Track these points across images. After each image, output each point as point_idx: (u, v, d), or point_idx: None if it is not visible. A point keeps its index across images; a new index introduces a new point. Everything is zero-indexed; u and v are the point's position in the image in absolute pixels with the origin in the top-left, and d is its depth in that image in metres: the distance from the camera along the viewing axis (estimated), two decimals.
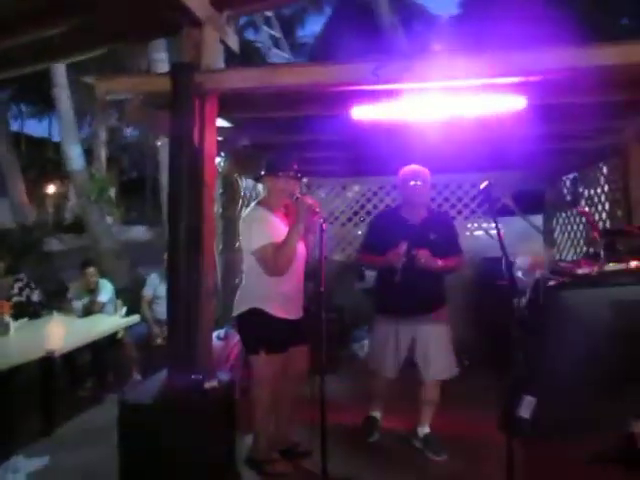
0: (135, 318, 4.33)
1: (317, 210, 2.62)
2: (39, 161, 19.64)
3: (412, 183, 2.95)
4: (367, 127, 3.42)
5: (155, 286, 4.68)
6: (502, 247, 2.18)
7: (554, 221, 5.51)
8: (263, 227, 2.67)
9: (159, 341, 4.48)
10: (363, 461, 2.89)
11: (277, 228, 2.71)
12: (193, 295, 2.60)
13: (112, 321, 4.19)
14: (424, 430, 3.04)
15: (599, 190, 4.42)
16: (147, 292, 4.67)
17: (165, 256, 4.37)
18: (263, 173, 2.83)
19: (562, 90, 2.96)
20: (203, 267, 2.69)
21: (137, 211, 22.10)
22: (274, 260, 2.60)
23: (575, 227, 4.94)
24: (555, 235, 5.45)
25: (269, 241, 2.62)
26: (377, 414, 3.20)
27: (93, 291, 4.52)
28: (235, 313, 2.78)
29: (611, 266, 2.81)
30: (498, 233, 2.23)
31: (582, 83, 2.87)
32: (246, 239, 2.73)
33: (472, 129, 3.67)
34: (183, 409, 2.34)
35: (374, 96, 2.93)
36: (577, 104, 3.22)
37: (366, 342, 5.00)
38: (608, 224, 4.13)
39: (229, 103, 2.98)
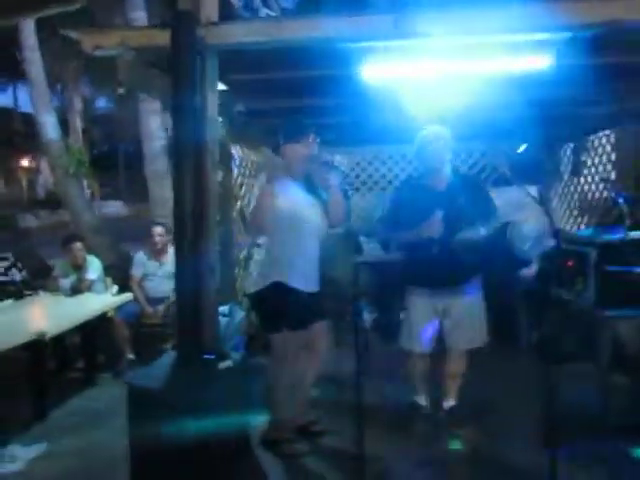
0: (127, 296, 4.11)
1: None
2: (5, 133, 18.72)
3: (432, 147, 2.73)
4: (369, 90, 3.22)
5: (143, 264, 4.48)
6: (548, 214, 2.04)
7: (552, 191, 5.44)
8: (271, 190, 2.57)
9: (152, 320, 4.32)
10: (385, 437, 2.77)
11: (292, 195, 2.58)
12: (200, 271, 2.43)
13: (103, 300, 3.96)
14: (449, 403, 2.94)
15: (604, 158, 4.35)
16: (136, 271, 4.46)
17: (156, 232, 4.35)
18: (282, 142, 2.69)
19: (582, 49, 2.81)
20: (208, 241, 2.52)
21: (110, 186, 21.42)
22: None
23: (575, 196, 4.87)
24: (553, 205, 5.39)
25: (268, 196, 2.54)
26: (421, 400, 2.97)
27: (80, 268, 4.26)
28: (254, 289, 2.63)
29: (633, 234, 2.73)
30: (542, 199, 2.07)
31: (603, 41, 2.73)
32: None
33: (471, 96, 3.52)
34: (197, 392, 2.17)
35: (388, 53, 2.73)
36: (590, 66, 3.08)
37: (367, 316, 4.92)
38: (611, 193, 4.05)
39: (226, 62, 2.74)
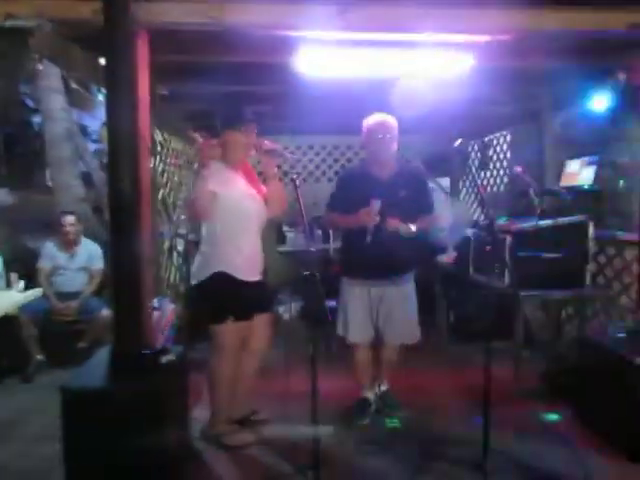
0: (37, 292, 3.75)
1: (276, 151, 2.53)
2: None
3: (378, 136, 2.68)
4: (307, 80, 3.23)
5: (52, 256, 4.13)
6: (483, 204, 2.20)
7: (460, 183, 5.86)
8: (211, 177, 2.44)
9: (63, 317, 4.00)
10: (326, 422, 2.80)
11: (231, 181, 2.51)
12: (136, 263, 2.30)
13: (8, 297, 3.57)
14: (382, 388, 3.02)
15: (502, 155, 4.81)
16: (44, 263, 4.10)
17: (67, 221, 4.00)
18: (220, 129, 2.57)
19: (490, 53, 3.03)
20: (144, 231, 2.39)
21: None
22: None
23: (487, 189, 5.29)
24: (461, 196, 5.81)
25: (205, 187, 2.42)
26: (370, 395, 2.98)
27: None
28: (196, 280, 2.51)
29: (543, 223, 3.04)
30: (479, 190, 2.23)
31: (510, 47, 2.98)
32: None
33: (390, 91, 3.67)
34: (143, 388, 2.07)
35: (327, 44, 2.76)
36: (498, 68, 3.35)
37: (290, 305, 4.97)
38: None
39: (155, 42, 2.60)
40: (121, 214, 2.21)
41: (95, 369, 2.18)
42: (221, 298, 2.46)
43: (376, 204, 2.59)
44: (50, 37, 2.51)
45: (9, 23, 2.44)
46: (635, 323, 2.80)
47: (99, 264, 4.21)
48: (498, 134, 4.97)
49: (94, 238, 4.48)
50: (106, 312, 4.02)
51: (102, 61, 2.89)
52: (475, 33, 2.68)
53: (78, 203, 5.66)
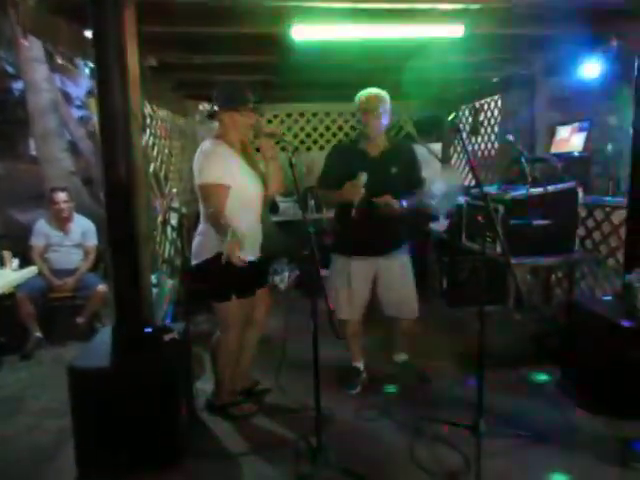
0: (32, 270, 3.76)
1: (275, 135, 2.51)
2: None
3: (371, 111, 2.64)
4: (298, 49, 3.17)
5: (46, 234, 4.11)
6: (474, 172, 2.22)
7: (451, 149, 5.85)
8: (220, 164, 2.41)
9: (60, 293, 4.02)
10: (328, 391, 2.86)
11: (235, 169, 2.46)
12: (134, 241, 2.32)
13: (5, 276, 3.57)
14: (400, 357, 3.08)
15: (493, 121, 4.80)
16: (37, 241, 4.08)
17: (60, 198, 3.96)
18: (219, 108, 2.49)
19: (481, 20, 2.99)
20: (141, 208, 2.40)
21: None
22: (213, 205, 2.36)
23: (478, 155, 5.30)
24: (453, 162, 5.81)
25: (221, 182, 2.38)
26: (360, 365, 3.05)
27: None
28: (197, 260, 2.52)
29: (534, 190, 3.09)
30: (471, 162, 2.25)
31: (502, 14, 2.94)
32: (201, 174, 2.41)
33: (381, 56, 3.62)
34: (146, 367, 2.14)
35: (317, 14, 2.71)
36: (488, 35, 3.31)
37: (286, 274, 5.03)
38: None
39: (142, 12, 2.53)
40: (117, 192, 2.22)
41: (99, 348, 2.23)
42: (223, 278, 2.44)
43: (362, 176, 2.55)
44: (34, 10, 2.43)
45: None
46: (622, 285, 2.88)
47: (93, 240, 4.21)
48: (489, 99, 4.94)
49: (86, 213, 4.46)
50: (102, 287, 4.06)
51: (88, 34, 2.83)
52: (468, 0, 2.65)
53: (68, 177, 5.60)
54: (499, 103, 4.79)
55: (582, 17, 2.81)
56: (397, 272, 2.84)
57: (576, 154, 3.44)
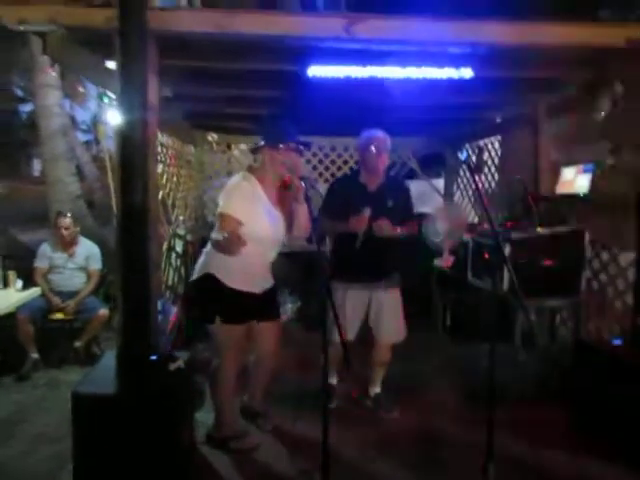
0: (36, 291, 3.74)
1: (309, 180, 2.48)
2: None
3: (372, 149, 2.88)
4: (312, 85, 3.25)
5: (50, 257, 4.10)
6: (486, 212, 2.25)
7: (454, 185, 5.93)
8: (240, 196, 2.46)
9: (60, 315, 3.99)
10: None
11: (257, 206, 2.49)
12: (145, 268, 2.32)
13: (8, 296, 3.55)
14: (375, 390, 3.16)
15: (494, 160, 4.91)
16: (41, 263, 4.08)
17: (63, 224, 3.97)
18: (262, 144, 2.56)
19: (487, 62, 3.08)
20: (152, 235, 2.41)
21: None
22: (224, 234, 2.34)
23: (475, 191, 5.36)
24: (455, 198, 5.88)
25: (235, 215, 2.40)
26: (333, 381, 3.19)
27: None
28: (192, 278, 2.61)
29: (542, 231, 3.12)
30: (479, 193, 2.27)
31: (509, 57, 3.04)
32: (221, 202, 2.48)
33: (389, 94, 3.71)
34: (151, 396, 2.10)
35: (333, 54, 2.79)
36: (493, 77, 3.41)
37: (288, 306, 5.00)
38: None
39: (161, 46, 2.61)
40: (131, 220, 2.22)
41: (103, 374, 2.19)
42: (207, 299, 2.52)
43: (367, 212, 2.78)
44: (61, 40, 2.51)
45: (23, 27, 2.44)
46: (632, 327, 2.87)
47: (97, 264, 4.21)
48: (493, 138, 5.04)
49: (89, 236, 4.46)
50: (104, 311, 4.04)
51: (109, 64, 2.91)
52: (475, 44, 2.73)
53: (74, 200, 5.63)
54: (502, 142, 4.88)
55: (585, 61, 2.90)
56: (388, 301, 2.99)
57: (581, 195, 3.49)
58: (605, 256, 3.56)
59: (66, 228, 4.08)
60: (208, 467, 2.48)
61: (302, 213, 2.54)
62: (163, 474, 2.09)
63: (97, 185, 8.79)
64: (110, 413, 1.99)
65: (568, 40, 2.65)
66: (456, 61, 2.98)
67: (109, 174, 5.48)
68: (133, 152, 2.19)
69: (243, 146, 5.62)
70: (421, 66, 2.99)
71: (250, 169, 2.64)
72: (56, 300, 3.97)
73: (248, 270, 2.50)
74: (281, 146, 2.49)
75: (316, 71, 2.98)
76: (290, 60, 2.85)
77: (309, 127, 5.05)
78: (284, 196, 2.61)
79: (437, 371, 3.71)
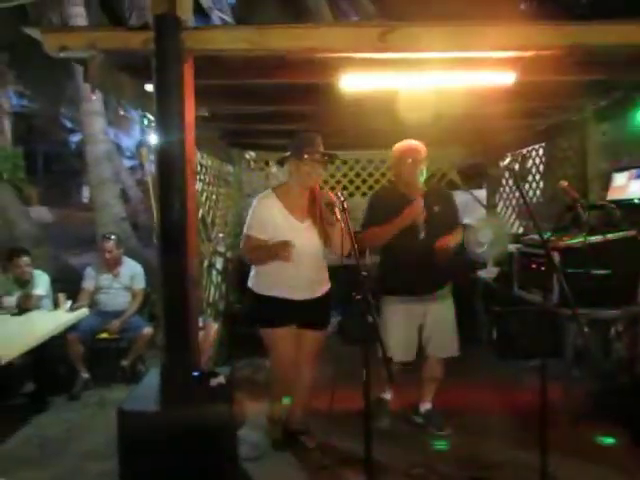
0: (84, 311, 3.85)
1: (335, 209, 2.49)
2: None
3: (410, 161, 2.83)
4: (347, 98, 3.24)
5: (96, 277, 4.24)
6: (534, 220, 2.15)
7: (497, 195, 5.76)
8: (258, 215, 2.65)
9: (108, 335, 4.09)
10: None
11: (277, 220, 2.61)
12: (185, 285, 2.34)
13: (58, 317, 3.68)
14: (426, 406, 3.05)
15: (537, 168, 4.74)
16: (88, 284, 4.22)
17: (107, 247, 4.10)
18: (287, 154, 2.66)
19: (534, 67, 2.98)
20: (191, 252, 2.43)
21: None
22: (246, 253, 2.71)
23: (519, 201, 5.19)
24: (498, 209, 5.71)
25: (249, 232, 2.65)
26: (387, 396, 3.08)
27: (26, 283, 3.94)
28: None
29: (592, 238, 2.95)
30: (524, 200, 2.18)
31: (556, 61, 2.93)
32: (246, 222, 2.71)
33: (428, 104, 3.65)
34: (193, 412, 2.09)
35: (368, 64, 2.77)
36: (540, 81, 3.29)
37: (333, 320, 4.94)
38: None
39: (198, 66, 2.66)
40: (171, 238, 2.26)
41: (148, 391, 2.21)
42: (249, 307, 2.82)
43: (420, 201, 2.74)
44: (101, 67, 2.60)
45: (64, 55, 2.54)
46: None
47: (141, 284, 4.31)
48: (537, 146, 4.87)
49: (134, 256, 4.59)
50: (148, 330, 4.11)
51: (148, 87, 3.01)
52: (519, 49, 2.65)
53: (119, 222, 5.84)
54: (547, 150, 4.71)
55: (634, 62, 2.76)
56: (444, 313, 2.90)
57: (636, 201, 3.30)
58: None
59: (109, 251, 4.20)
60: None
61: (337, 235, 2.52)
62: None
63: (141, 207, 9.10)
64: (154, 429, 2.00)
65: (616, 40, 2.54)
66: (497, 66, 2.90)
67: (151, 196, 5.64)
68: (171, 170, 2.23)
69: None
70: (460, 73, 2.93)
71: (276, 186, 2.77)
72: (105, 321, 4.06)
73: (279, 279, 2.65)
74: (305, 156, 2.55)
75: (353, 83, 2.95)
76: (325, 73, 2.84)
77: (344, 140, 5.10)
78: (316, 206, 2.66)
79: (485, 388, 3.54)
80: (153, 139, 4.13)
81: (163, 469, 2.00)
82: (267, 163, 5.62)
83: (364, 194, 5.71)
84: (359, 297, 1.94)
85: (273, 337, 2.70)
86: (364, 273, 1.99)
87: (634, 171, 3.41)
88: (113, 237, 4.29)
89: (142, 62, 2.48)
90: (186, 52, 2.40)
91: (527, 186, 4.99)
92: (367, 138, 4.79)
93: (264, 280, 2.71)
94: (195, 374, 2.29)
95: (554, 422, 2.14)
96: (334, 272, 4.66)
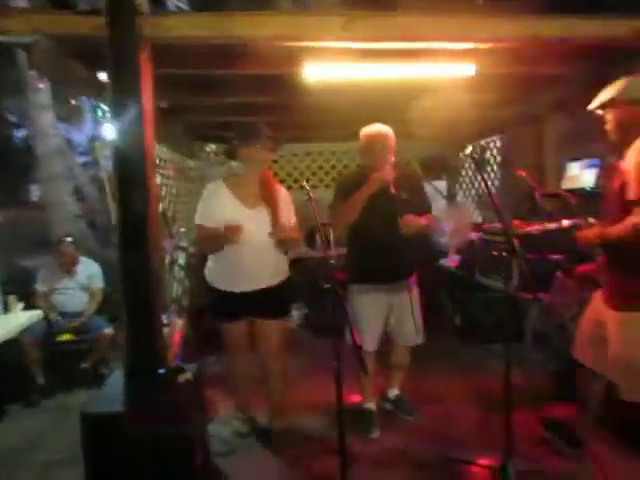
0: (37, 314, 3.66)
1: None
2: None
3: (379, 146, 2.74)
4: (308, 89, 3.21)
5: (51, 278, 4.07)
6: (495, 207, 2.19)
7: (456, 186, 5.88)
8: (207, 204, 2.65)
9: (65, 337, 3.92)
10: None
11: (227, 209, 2.60)
12: (149, 280, 2.26)
13: (9, 321, 3.48)
14: (394, 392, 3.09)
15: (494, 159, 4.86)
16: (42, 286, 4.04)
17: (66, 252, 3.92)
18: (235, 144, 2.66)
19: (493, 60, 3.04)
20: (154, 248, 2.35)
21: None
22: (199, 243, 2.76)
23: (479, 191, 5.32)
24: (458, 199, 5.83)
25: (199, 222, 2.65)
26: (372, 405, 2.99)
27: None
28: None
29: (550, 225, 3.06)
30: (487, 188, 2.21)
31: (512, 54, 2.99)
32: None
33: (390, 96, 3.68)
34: (161, 411, 2.03)
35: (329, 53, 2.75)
36: (499, 74, 3.37)
37: (295, 312, 4.93)
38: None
39: (156, 55, 2.57)
40: (132, 232, 2.16)
41: (111, 392, 2.12)
42: (207, 301, 2.81)
43: (387, 168, 2.66)
44: (49, 53, 2.47)
45: (4, 39, 2.39)
46: None
47: (99, 283, 4.17)
48: (496, 137, 5.00)
49: (91, 256, 4.42)
50: (109, 330, 3.98)
51: (102, 76, 2.88)
52: (478, 41, 2.69)
53: (73, 220, 5.60)
54: (498, 142, 4.84)
55: (591, 55, 2.85)
56: (409, 302, 2.84)
57: (588, 189, 3.44)
58: None
59: (69, 255, 4.06)
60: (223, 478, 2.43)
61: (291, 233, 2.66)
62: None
63: (97, 205, 8.77)
64: (120, 431, 1.92)
65: (570, 34, 2.61)
66: (457, 58, 2.94)
67: (108, 194, 5.45)
68: (130, 163, 2.14)
69: None
70: (421, 64, 2.96)
71: (226, 175, 2.75)
72: (61, 321, 3.91)
73: (230, 271, 2.64)
74: (254, 142, 2.57)
75: (315, 73, 2.93)
76: (288, 62, 2.81)
77: (308, 133, 5.07)
78: (270, 190, 2.67)
79: (450, 372, 3.62)
80: (108, 132, 4.01)
81: (132, 470, 1.93)
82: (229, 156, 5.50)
83: (327, 186, 5.71)
84: (327, 286, 1.92)
85: (226, 331, 2.73)
86: (332, 261, 1.98)
87: (586, 161, 3.55)
88: (69, 240, 4.11)
89: (93, 49, 2.37)
90: (143, 39, 2.32)
91: (485, 176, 5.11)
92: (331, 129, 4.78)
93: (215, 272, 2.72)
94: (161, 371, 2.23)
95: (519, 403, 2.22)
96: (300, 264, 4.65)
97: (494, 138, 5.03)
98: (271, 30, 2.37)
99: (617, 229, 2.07)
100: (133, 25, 2.16)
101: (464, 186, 5.75)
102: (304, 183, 2.29)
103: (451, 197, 5.92)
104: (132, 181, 2.16)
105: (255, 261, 2.62)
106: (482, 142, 5.18)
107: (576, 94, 3.56)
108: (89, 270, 4.15)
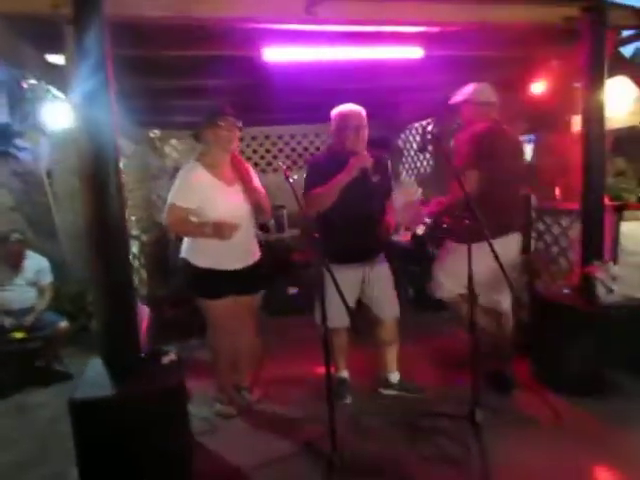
0: None
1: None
2: None
3: (352, 125, 2.68)
4: (270, 71, 3.22)
5: None
6: (458, 179, 2.36)
7: (400, 166, 6.12)
8: (185, 184, 2.61)
9: (16, 335, 3.73)
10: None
11: (207, 190, 2.60)
12: (126, 268, 2.26)
13: None
14: (395, 376, 3.05)
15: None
16: None
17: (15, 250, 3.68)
18: (203, 125, 2.63)
19: (439, 43, 3.21)
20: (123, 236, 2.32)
21: None
22: (170, 224, 2.66)
23: (422, 170, 5.58)
24: (402, 178, 6.08)
25: (174, 201, 2.59)
26: (345, 374, 3.07)
27: None
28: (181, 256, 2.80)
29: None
30: (447, 160, 2.38)
31: (458, 38, 3.18)
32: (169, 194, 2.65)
33: (347, 78, 3.77)
34: (149, 391, 2.06)
35: (285, 36, 2.80)
36: (443, 56, 3.55)
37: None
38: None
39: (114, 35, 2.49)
40: (108, 223, 2.13)
41: (95, 380, 2.10)
42: (187, 280, 2.77)
43: (365, 153, 2.67)
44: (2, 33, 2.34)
45: None
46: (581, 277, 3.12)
47: (48, 278, 3.99)
48: (436, 118, 5.24)
49: (32, 249, 4.19)
50: (64, 324, 3.84)
51: (52, 59, 2.75)
52: (427, 25, 2.84)
53: (7, 213, 5.26)
54: (444, 122, 5.08)
55: (528, 39, 3.10)
56: (383, 277, 2.93)
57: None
58: (548, 219, 3.84)
59: (17, 254, 3.88)
60: (210, 454, 2.50)
61: (259, 198, 2.75)
62: (169, 465, 2.06)
63: (24, 199, 8.22)
64: (112, 414, 1.93)
65: (507, 19, 2.83)
66: (406, 41, 3.07)
67: (47, 188, 5.19)
68: (100, 153, 2.09)
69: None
70: (373, 47, 3.06)
71: (198, 157, 2.70)
72: (7, 320, 3.73)
73: (216, 250, 2.64)
74: (221, 123, 2.59)
75: (274, 55, 2.94)
76: (249, 45, 2.82)
77: (277, 116, 5.00)
78: (241, 171, 2.73)
79: (408, 338, 3.80)
80: (49, 119, 3.80)
81: (124, 452, 1.94)
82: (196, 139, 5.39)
83: (301, 168, 5.73)
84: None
85: (212, 309, 2.73)
86: (316, 235, 2.06)
87: (525, 137, 3.85)
88: (15, 236, 3.90)
89: (47, 30, 2.27)
90: (106, 18, 2.24)
91: (428, 155, 5.38)
92: (300, 112, 4.79)
93: (200, 251, 2.69)
94: (142, 355, 2.25)
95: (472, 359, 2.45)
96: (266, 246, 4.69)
97: (428, 120, 5.27)
98: (231, 12, 2.39)
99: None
100: (99, 4, 2.09)
101: (406, 166, 6.00)
102: (280, 163, 2.36)
103: (396, 176, 6.15)
104: (105, 173, 2.12)
105: (243, 239, 2.70)
106: (424, 122, 5.42)
107: (517, 76, 3.83)
108: (37, 265, 3.96)
